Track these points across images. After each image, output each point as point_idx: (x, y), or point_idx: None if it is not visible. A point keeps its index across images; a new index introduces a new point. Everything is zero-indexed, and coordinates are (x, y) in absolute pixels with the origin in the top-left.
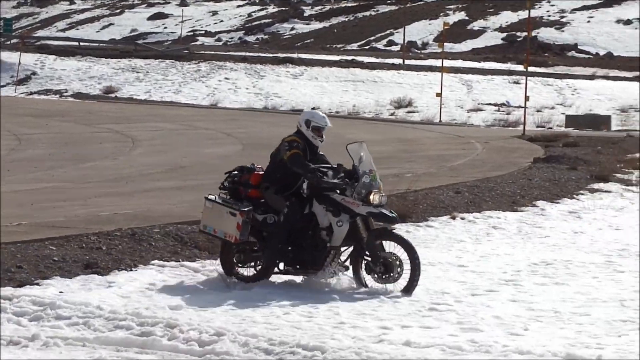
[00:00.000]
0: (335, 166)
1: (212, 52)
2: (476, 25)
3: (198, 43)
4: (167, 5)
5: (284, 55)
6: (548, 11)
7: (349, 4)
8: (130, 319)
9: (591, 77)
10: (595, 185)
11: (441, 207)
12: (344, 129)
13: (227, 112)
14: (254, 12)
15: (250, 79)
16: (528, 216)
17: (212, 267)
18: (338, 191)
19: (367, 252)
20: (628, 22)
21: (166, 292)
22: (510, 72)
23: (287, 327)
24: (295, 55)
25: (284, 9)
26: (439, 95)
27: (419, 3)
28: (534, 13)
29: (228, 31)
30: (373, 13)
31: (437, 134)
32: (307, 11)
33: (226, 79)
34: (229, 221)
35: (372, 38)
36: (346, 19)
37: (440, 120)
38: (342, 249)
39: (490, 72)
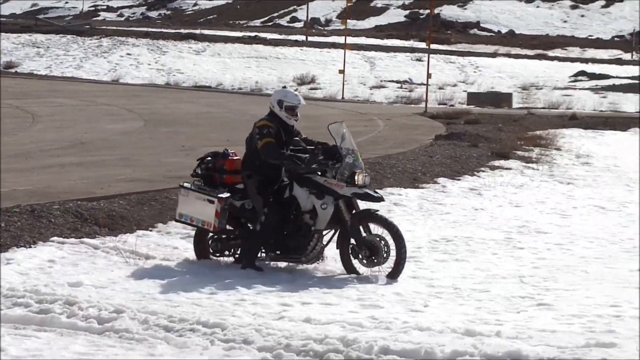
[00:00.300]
0: (314, 147)
1: (114, 28)
2: (379, 2)
3: (100, 18)
4: None
5: (187, 31)
6: None
7: None
8: (29, 297)
9: (493, 55)
10: (496, 163)
11: None
12: (246, 106)
13: (129, 88)
14: None
15: (152, 55)
16: (429, 193)
17: (112, 243)
18: (319, 173)
19: (351, 235)
20: (530, 0)
21: (65, 269)
22: (412, 50)
23: (188, 304)
24: (197, 31)
25: None
26: (341, 72)
27: None
28: None
29: (130, 6)
30: None
31: (339, 110)
32: None
33: (128, 54)
34: (206, 209)
35: (275, 15)
36: None
37: (343, 97)
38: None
39: (393, 50)
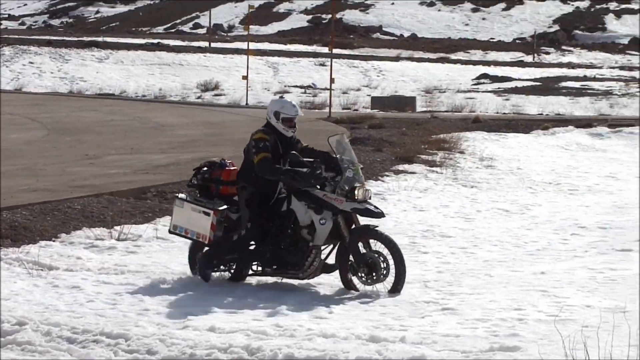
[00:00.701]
0: (312, 160)
1: (16, 36)
2: (282, 7)
3: (1, 27)
4: None
5: (89, 39)
6: None
7: None
8: None
9: (396, 59)
10: (400, 167)
11: None
12: (150, 113)
13: (31, 96)
14: None
15: (55, 63)
16: None
17: (15, 255)
18: (318, 186)
19: (350, 252)
20: (431, 4)
21: None
22: (316, 55)
23: (91, 315)
24: (100, 39)
25: None
26: (245, 78)
27: None
28: None
29: (32, 15)
30: None
31: (243, 117)
32: None
33: (30, 63)
34: (202, 221)
35: (178, 21)
36: (152, 2)
37: (247, 103)
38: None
39: (296, 55)
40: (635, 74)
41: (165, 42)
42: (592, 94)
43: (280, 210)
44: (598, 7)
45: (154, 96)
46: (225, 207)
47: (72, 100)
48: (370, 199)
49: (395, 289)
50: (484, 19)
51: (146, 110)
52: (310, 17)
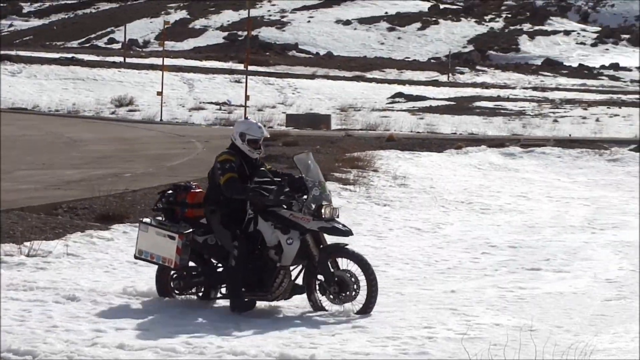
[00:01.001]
0: (280, 179)
1: None
2: (198, 24)
3: None
4: None
5: (2, 52)
6: (269, 11)
7: (69, 1)
8: None
9: (312, 77)
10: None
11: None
12: (64, 128)
13: None
14: None
15: None
16: None
17: None
18: (285, 206)
19: (319, 271)
20: (347, 23)
21: None
22: (231, 71)
23: None
24: (13, 53)
25: (2, 5)
26: (160, 93)
27: (140, 1)
28: (255, 12)
29: None
30: (93, 10)
31: (158, 132)
32: (26, 8)
33: None
34: (167, 245)
35: (93, 36)
36: (66, 16)
37: (161, 119)
38: (291, 268)
39: (211, 71)
40: (548, 94)
41: (80, 56)
42: (505, 114)
43: (247, 231)
44: (512, 28)
45: (67, 111)
46: (190, 230)
47: None
48: (337, 217)
49: (366, 309)
50: (399, 38)
51: (59, 125)
52: (226, 33)
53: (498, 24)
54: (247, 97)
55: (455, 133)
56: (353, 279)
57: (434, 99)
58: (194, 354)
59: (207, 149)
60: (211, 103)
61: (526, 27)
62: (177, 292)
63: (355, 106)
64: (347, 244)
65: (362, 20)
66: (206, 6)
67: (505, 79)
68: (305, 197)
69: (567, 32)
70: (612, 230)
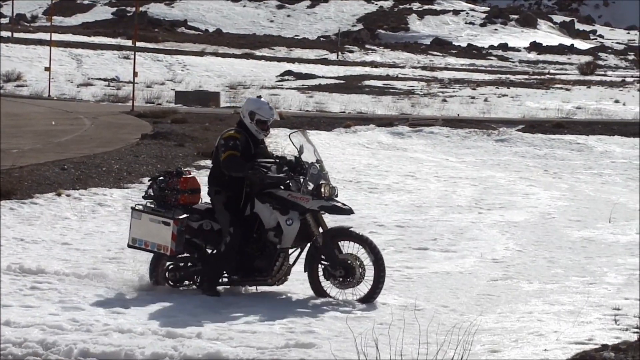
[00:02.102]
0: (278, 159)
1: None
2: None
3: None
4: None
5: None
6: None
7: None
8: None
9: (201, 54)
10: (202, 162)
11: (47, 183)
12: None
13: None
14: None
15: None
16: (133, 193)
17: None
18: (282, 187)
19: (323, 256)
20: (237, 0)
21: None
22: (120, 47)
23: None
24: None
25: None
26: (47, 69)
27: None
28: None
29: None
30: None
31: (46, 108)
32: None
33: None
34: (162, 232)
35: None
36: None
37: (49, 95)
38: (290, 251)
39: (100, 47)
40: (437, 74)
41: None
42: (394, 93)
43: (244, 215)
44: (401, 7)
45: None
46: (185, 215)
47: None
48: (336, 196)
49: (372, 295)
50: (289, 16)
51: None
52: (114, 9)
53: (387, 3)
54: (135, 74)
55: (344, 112)
56: (359, 263)
57: (323, 77)
58: (80, 331)
59: (95, 126)
60: (100, 79)
61: (415, 6)
62: (171, 283)
63: (244, 84)
64: (351, 227)
65: None
66: None
67: (394, 58)
68: (302, 177)
69: (456, 12)
70: (498, 210)
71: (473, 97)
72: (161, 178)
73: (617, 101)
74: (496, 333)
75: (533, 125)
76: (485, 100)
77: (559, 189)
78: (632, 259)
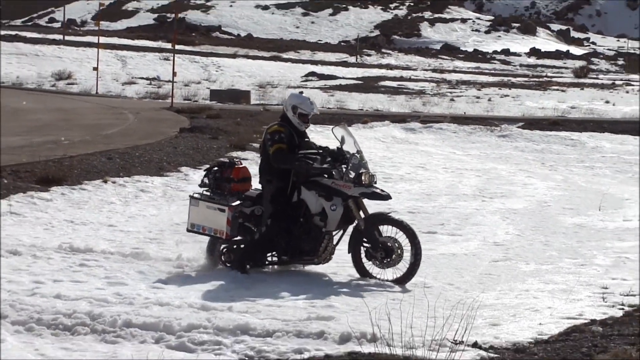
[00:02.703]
0: (321, 150)
1: None
2: (130, 6)
3: None
4: None
5: None
6: None
7: None
8: None
9: (233, 56)
10: (234, 153)
11: (94, 171)
12: (7, 99)
13: None
14: None
15: None
16: (172, 181)
17: None
18: (326, 175)
19: (365, 239)
20: (266, 8)
21: None
22: (160, 50)
23: None
24: None
25: None
26: (95, 69)
27: None
28: None
29: None
30: None
31: (93, 104)
32: None
33: None
34: (218, 217)
35: (35, 15)
36: None
37: (97, 92)
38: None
39: (143, 49)
40: (446, 76)
41: (23, 34)
42: (407, 92)
43: (289, 202)
44: (414, 15)
45: (11, 83)
46: (238, 202)
47: None
48: (375, 183)
49: (409, 276)
50: (313, 22)
51: (3, 96)
52: (156, 15)
53: (402, 12)
54: (174, 74)
55: (362, 109)
56: (397, 245)
57: (343, 78)
58: (123, 304)
59: (138, 120)
60: (142, 78)
61: (427, 14)
62: (228, 264)
63: (272, 83)
64: (390, 213)
65: (279, 6)
66: None
67: (407, 61)
68: (344, 166)
69: (463, 20)
70: (500, 199)
71: (478, 97)
72: (216, 168)
73: (607, 102)
74: (496, 308)
75: (532, 123)
76: (489, 100)
77: (554, 180)
78: (619, 243)
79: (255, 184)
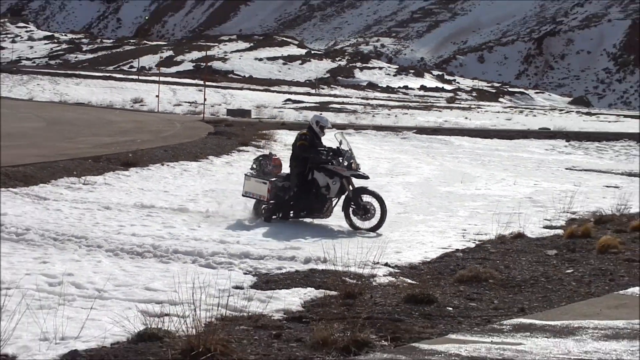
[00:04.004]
0: (328, 148)
1: (29, 69)
2: (178, 58)
3: (21, 64)
4: None
5: (71, 72)
6: (218, 52)
7: (108, 44)
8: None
9: (241, 88)
10: (241, 148)
11: (156, 159)
12: (104, 114)
13: (37, 103)
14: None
15: (51, 85)
16: (203, 164)
17: (25, 191)
18: (330, 163)
19: (352, 202)
20: (260, 59)
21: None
22: (196, 85)
23: (67, 225)
24: (77, 72)
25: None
26: (157, 96)
27: (147, 45)
28: (211, 52)
29: (39, 57)
30: (122, 50)
31: (155, 118)
32: (84, 47)
33: (37, 84)
34: (261, 187)
35: (121, 63)
36: (107, 52)
37: (158, 110)
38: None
39: (185, 85)
40: (370, 101)
41: (114, 75)
42: (346, 111)
43: (309, 179)
44: (351, 65)
45: (105, 105)
46: (274, 179)
47: (60, 106)
48: (359, 169)
49: (378, 226)
50: (289, 68)
51: (101, 112)
52: (194, 64)
53: (343, 62)
54: (205, 99)
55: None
56: (372, 207)
57: (307, 102)
58: (173, 239)
59: (183, 127)
60: (185, 102)
61: (358, 64)
62: (266, 217)
63: (264, 105)
64: (368, 187)
65: (269, 58)
66: (183, 48)
67: (346, 92)
68: (341, 158)
69: (380, 68)
70: (402, 176)
71: (389, 114)
72: (260, 158)
73: (466, 118)
74: (399, 242)
75: (421, 130)
76: (395, 116)
77: (434, 164)
78: (473, 203)
79: (285, 168)
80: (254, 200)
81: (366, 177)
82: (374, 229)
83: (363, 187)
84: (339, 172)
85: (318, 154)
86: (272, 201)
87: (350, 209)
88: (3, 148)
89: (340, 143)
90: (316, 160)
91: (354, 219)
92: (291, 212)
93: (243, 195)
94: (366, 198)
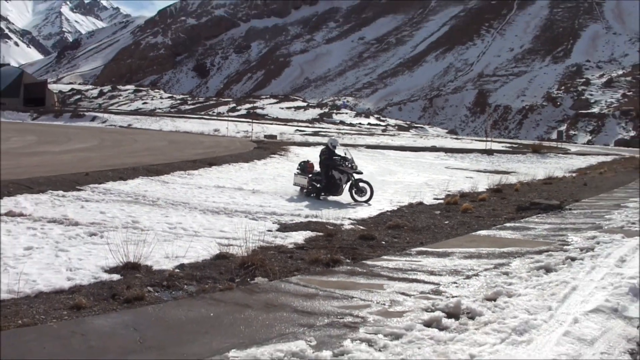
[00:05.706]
0: (339, 156)
1: (159, 112)
2: (239, 107)
3: (155, 108)
4: None
5: (180, 115)
6: (260, 104)
7: (201, 100)
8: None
9: (271, 123)
10: (272, 155)
11: (225, 161)
12: (198, 138)
13: (164, 133)
14: None
15: (172, 122)
16: (251, 165)
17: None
18: (341, 166)
19: (354, 187)
20: (282, 108)
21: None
22: (248, 121)
23: (178, 197)
24: (181, 115)
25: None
26: (227, 128)
27: (222, 100)
28: (255, 104)
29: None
30: (208, 103)
31: (228, 139)
32: (189, 101)
33: (165, 123)
34: (303, 180)
35: (209, 110)
36: (201, 104)
37: (227, 135)
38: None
39: (242, 121)
40: (340, 131)
41: (204, 116)
42: (328, 135)
43: (329, 174)
44: (330, 111)
45: (199, 132)
46: (311, 175)
47: (175, 133)
48: (357, 168)
49: (369, 200)
50: (297, 112)
51: (197, 137)
52: (247, 110)
53: (326, 109)
54: (252, 129)
55: (315, 142)
56: (365, 190)
57: (308, 130)
58: (235, 204)
59: (241, 144)
60: (242, 130)
61: (335, 111)
62: (307, 194)
63: (283, 132)
64: (363, 177)
65: (287, 107)
66: (241, 102)
67: (328, 126)
68: (347, 162)
69: (346, 112)
70: (390, 176)
71: (351, 137)
72: (302, 162)
73: (392, 140)
74: (356, 207)
75: (369, 146)
76: (355, 139)
77: (375, 165)
78: (395, 186)
79: (315, 169)
80: (299, 186)
81: (361, 173)
82: (367, 201)
83: (360, 178)
84: (346, 171)
85: (334, 161)
86: (309, 187)
87: (353, 190)
88: (147, 156)
89: (345, 153)
90: (333, 164)
91: (355, 196)
92: (321, 193)
93: (294, 185)
94: (362, 184)
